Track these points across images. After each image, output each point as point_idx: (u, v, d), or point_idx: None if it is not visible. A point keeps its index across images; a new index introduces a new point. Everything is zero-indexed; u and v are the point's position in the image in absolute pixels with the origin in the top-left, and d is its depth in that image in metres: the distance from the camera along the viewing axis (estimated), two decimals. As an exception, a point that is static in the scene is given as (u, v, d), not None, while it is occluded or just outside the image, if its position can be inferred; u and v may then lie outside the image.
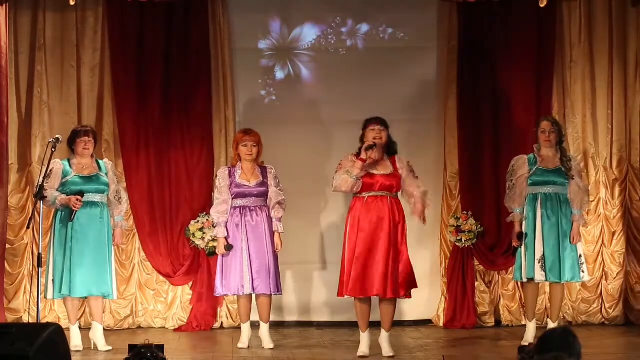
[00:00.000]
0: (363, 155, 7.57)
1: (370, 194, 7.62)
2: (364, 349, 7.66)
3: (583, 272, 8.27)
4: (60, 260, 7.93)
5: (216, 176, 8.46)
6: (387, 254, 7.52)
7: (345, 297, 7.65)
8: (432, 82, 9.46)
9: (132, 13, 9.13)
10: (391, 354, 7.62)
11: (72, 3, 8.62)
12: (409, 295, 7.67)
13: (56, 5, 9.14)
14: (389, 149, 7.75)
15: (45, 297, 8.19)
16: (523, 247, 8.22)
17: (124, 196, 8.31)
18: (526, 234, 8.21)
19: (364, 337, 7.67)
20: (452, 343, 8.55)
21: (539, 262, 8.17)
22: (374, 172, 7.63)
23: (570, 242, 8.19)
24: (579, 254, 8.26)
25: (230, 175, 8.18)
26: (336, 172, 7.70)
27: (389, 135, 7.73)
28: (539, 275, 8.17)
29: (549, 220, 8.20)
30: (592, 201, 9.34)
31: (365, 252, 7.55)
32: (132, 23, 9.17)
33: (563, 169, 8.25)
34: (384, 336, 7.67)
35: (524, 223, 8.27)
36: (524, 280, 8.28)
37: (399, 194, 7.73)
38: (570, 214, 8.22)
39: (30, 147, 9.16)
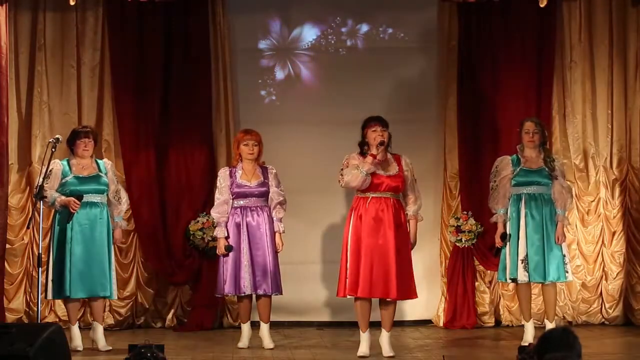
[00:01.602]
0: (374, 151, 7.57)
1: (375, 195, 7.62)
2: (364, 349, 7.66)
3: (567, 272, 8.26)
4: (61, 261, 7.92)
5: (217, 176, 8.46)
6: (391, 255, 7.51)
7: (347, 296, 7.64)
8: (432, 82, 9.47)
9: (132, 13, 9.13)
10: (391, 354, 7.62)
11: (72, 3, 8.63)
12: (413, 296, 7.67)
13: (56, 5, 9.14)
14: (388, 147, 7.76)
15: (45, 298, 8.19)
16: (507, 247, 8.23)
17: (124, 196, 8.30)
18: (510, 234, 8.22)
19: (364, 337, 7.67)
20: (452, 343, 8.55)
21: (522, 263, 8.17)
22: (380, 172, 7.62)
23: (554, 242, 8.18)
24: (563, 254, 8.25)
25: (231, 175, 8.18)
26: (342, 169, 7.69)
27: (389, 134, 7.74)
28: (522, 276, 8.16)
29: (533, 220, 8.20)
30: (592, 201, 9.36)
31: (368, 253, 7.53)
32: (132, 23, 9.18)
33: (546, 170, 8.25)
34: (384, 336, 7.67)
35: (507, 224, 8.27)
36: (508, 281, 8.30)
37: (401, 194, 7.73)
38: (554, 214, 8.22)
39: (30, 147, 9.16)
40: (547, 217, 8.20)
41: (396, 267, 7.50)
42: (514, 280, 8.22)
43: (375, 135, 7.61)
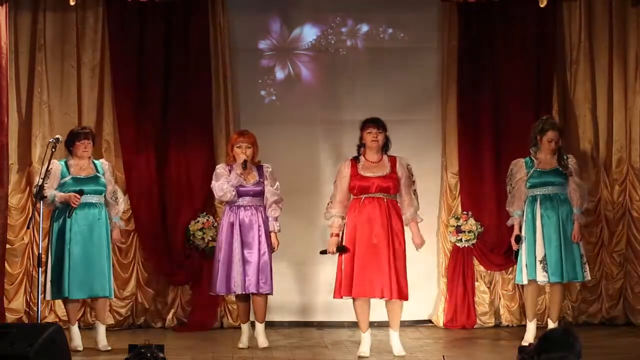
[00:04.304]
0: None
1: (368, 196, 7.64)
2: (364, 349, 7.66)
3: (585, 271, 8.28)
4: (59, 261, 7.92)
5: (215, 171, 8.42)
6: (387, 255, 7.52)
7: (343, 297, 7.64)
8: (432, 82, 9.46)
9: (132, 13, 9.13)
10: (402, 353, 7.61)
11: (72, 3, 8.62)
12: (405, 298, 7.66)
13: (56, 5, 9.14)
14: (386, 148, 7.77)
15: (45, 298, 8.18)
16: (523, 249, 8.23)
17: (121, 196, 8.29)
18: (523, 237, 8.22)
19: (365, 338, 7.67)
20: (452, 343, 8.55)
21: (540, 263, 8.17)
22: (369, 174, 7.64)
23: (571, 241, 8.19)
24: (580, 253, 8.26)
25: (229, 172, 8.11)
26: (335, 181, 7.73)
27: (386, 135, 7.75)
28: (541, 276, 8.17)
29: (549, 220, 8.21)
30: (592, 201, 9.35)
31: (364, 254, 7.54)
32: (132, 23, 9.17)
33: (560, 169, 8.26)
34: (393, 336, 7.66)
35: (523, 226, 8.27)
36: (525, 282, 8.28)
37: (397, 195, 7.73)
38: (570, 213, 8.23)
39: (30, 147, 9.16)
40: (564, 217, 8.21)
41: (389, 267, 7.50)
42: (533, 281, 8.21)
43: (370, 137, 7.68)
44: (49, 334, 5.23)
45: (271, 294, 8.14)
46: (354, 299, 7.64)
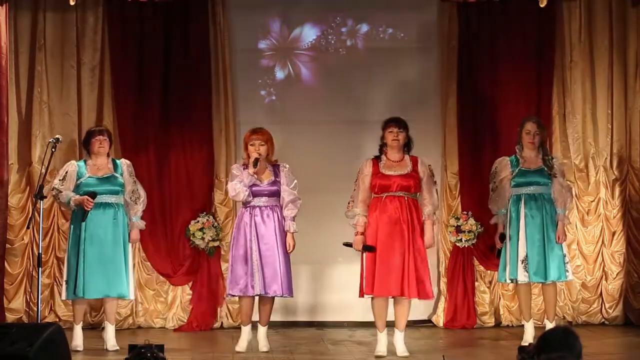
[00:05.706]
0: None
1: (389, 194, 7.64)
2: (381, 348, 7.64)
3: (567, 271, 8.26)
4: (74, 261, 7.91)
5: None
6: (406, 254, 7.53)
7: (365, 297, 7.64)
8: (432, 82, 9.46)
9: (132, 13, 9.13)
10: (406, 354, 7.61)
11: (72, 3, 8.62)
12: (428, 297, 7.69)
13: (56, 5, 9.14)
14: (408, 148, 7.78)
15: (61, 298, 8.16)
16: (507, 248, 8.22)
17: (142, 195, 8.18)
18: (505, 234, 8.22)
19: (381, 337, 7.66)
20: (452, 343, 8.55)
21: (522, 263, 8.17)
22: (391, 173, 7.65)
23: (555, 241, 8.18)
24: (563, 254, 8.25)
25: (243, 172, 8.01)
26: (356, 180, 7.72)
27: (407, 135, 7.75)
28: (522, 276, 8.16)
29: (533, 220, 8.20)
30: (592, 201, 9.36)
31: (386, 252, 7.54)
32: (132, 23, 9.18)
33: (545, 169, 8.25)
34: (398, 336, 7.66)
35: (507, 224, 8.27)
36: (508, 281, 8.30)
37: (418, 194, 7.73)
38: (554, 213, 8.22)
39: (30, 147, 9.16)
40: (548, 217, 8.20)
41: (410, 265, 7.52)
42: (514, 280, 8.22)
43: (391, 137, 7.69)
44: (49, 334, 5.23)
45: (291, 296, 8.01)
46: (373, 298, 7.63)
